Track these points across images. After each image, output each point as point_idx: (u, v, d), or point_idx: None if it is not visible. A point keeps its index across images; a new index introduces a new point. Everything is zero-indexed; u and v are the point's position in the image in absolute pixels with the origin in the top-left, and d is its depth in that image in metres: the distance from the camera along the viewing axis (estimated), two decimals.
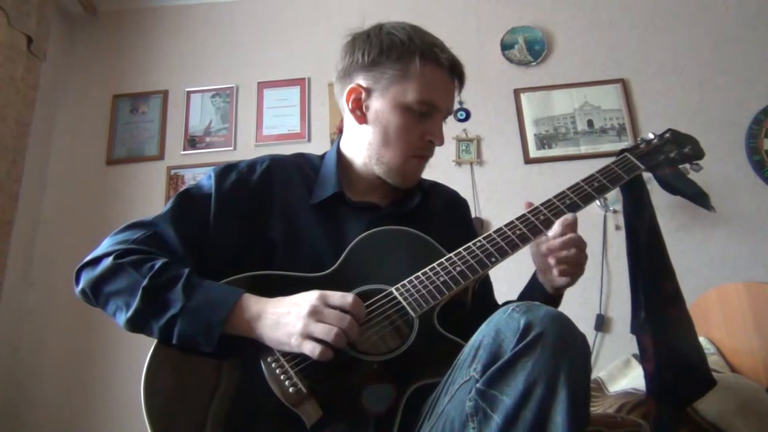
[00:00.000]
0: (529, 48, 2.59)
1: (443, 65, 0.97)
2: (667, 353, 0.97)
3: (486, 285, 1.12)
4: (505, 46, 2.60)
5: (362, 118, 1.00)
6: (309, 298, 0.80)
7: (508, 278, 1.19)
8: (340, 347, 0.77)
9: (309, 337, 0.76)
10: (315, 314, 0.77)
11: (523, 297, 1.02)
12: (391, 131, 0.97)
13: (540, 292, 0.97)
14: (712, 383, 1.01)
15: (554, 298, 0.98)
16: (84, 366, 2.26)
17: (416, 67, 0.95)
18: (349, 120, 1.04)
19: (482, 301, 1.03)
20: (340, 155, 1.07)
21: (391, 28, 0.99)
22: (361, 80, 0.99)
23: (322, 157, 1.10)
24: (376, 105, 0.98)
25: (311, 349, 0.76)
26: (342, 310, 0.79)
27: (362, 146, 1.02)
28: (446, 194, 1.17)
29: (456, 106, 2.50)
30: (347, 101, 1.00)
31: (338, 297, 0.80)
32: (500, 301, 1.09)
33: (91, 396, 2.23)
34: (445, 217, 1.10)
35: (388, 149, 0.98)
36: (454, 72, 1.00)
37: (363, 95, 0.98)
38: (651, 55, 2.53)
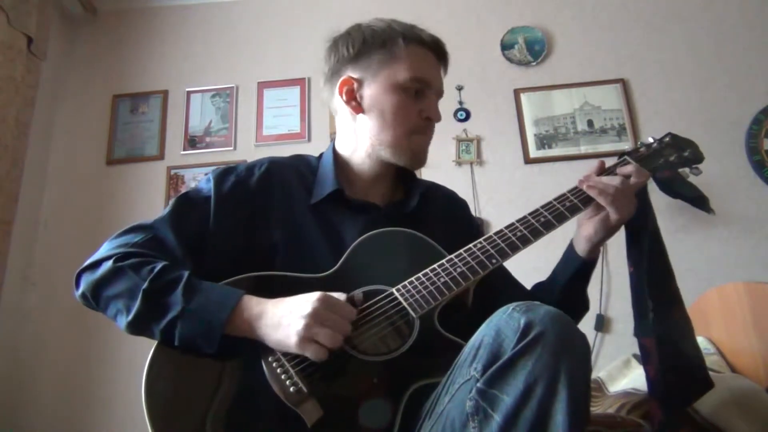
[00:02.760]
0: (529, 48, 2.59)
1: (426, 43, 1.01)
2: (671, 355, 0.97)
3: (504, 276, 1.12)
4: (505, 46, 2.60)
5: (358, 108, 1.01)
6: (311, 299, 0.79)
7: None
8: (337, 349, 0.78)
9: (311, 340, 0.77)
10: (317, 317, 0.77)
11: (556, 273, 1.05)
12: (388, 112, 0.98)
13: (574, 263, 1.00)
14: (710, 385, 1.01)
15: (589, 263, 1.00)
16: (84, 366, 2.26)
17: (401, 47, 0.99)
18: (343, 116, 1.05)
19: (505, 290, 1.04)
20: (336, 155, 1.07)
21: (368, 22, 1.03)
22: (350, 72, 1.01)
23: (319, 158, 1.10)
24: (369, 91, 1.00)
25: (314, 351, 0.76)
26: (343, 314, 0.79)
27: (363, 137, 1.02)
28: (445, 195, 1.17)
29: (456, 106, 2.51)
30: (341, 94, 1.01)
31: (341, 304, 0.81)
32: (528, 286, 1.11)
33: (91, 396, 2.23)
34: (444, 217, 1.10)
35: (388, 130, 0.99)
36: (438, 49, 1.03)
37: (355, 86, 1.00)
38: (651, 55, 2.53)
